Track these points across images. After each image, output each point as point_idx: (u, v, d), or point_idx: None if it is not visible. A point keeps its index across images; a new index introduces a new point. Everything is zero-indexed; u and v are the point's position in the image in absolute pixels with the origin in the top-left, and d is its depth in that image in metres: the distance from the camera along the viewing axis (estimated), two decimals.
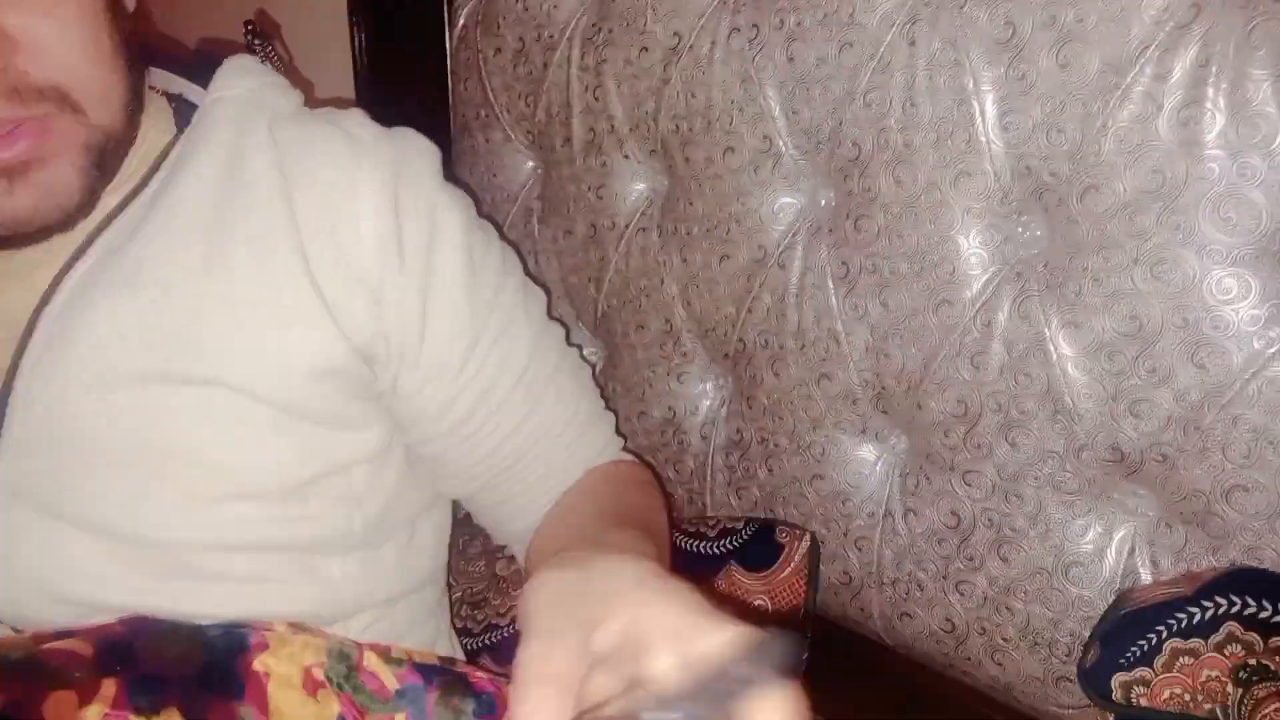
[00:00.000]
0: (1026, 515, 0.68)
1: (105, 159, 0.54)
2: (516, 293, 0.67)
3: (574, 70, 0.86)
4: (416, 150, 0.63)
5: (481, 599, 0.87)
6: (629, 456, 0.75)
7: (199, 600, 0.56)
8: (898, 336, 0.71)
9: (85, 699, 0.48)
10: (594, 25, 0.84)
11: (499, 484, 0.68)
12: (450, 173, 0.65)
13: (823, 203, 0.75)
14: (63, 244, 0.56)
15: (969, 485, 0.70)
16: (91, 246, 0.56)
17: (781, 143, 0.75)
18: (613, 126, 0.85)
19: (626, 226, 0.87)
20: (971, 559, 0.71)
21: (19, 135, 0.49)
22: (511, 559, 0.87)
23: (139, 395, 0.54)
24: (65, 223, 0.54)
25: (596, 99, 0.85)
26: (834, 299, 0.74)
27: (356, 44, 1.03)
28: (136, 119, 0.58)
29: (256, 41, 0.91)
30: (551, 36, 0.88)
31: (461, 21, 0.97)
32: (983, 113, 0.64)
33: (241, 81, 0.61)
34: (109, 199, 0.57)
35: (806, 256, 0.75)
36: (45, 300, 0.55)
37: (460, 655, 0.76)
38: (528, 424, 0.66)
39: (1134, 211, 0.60)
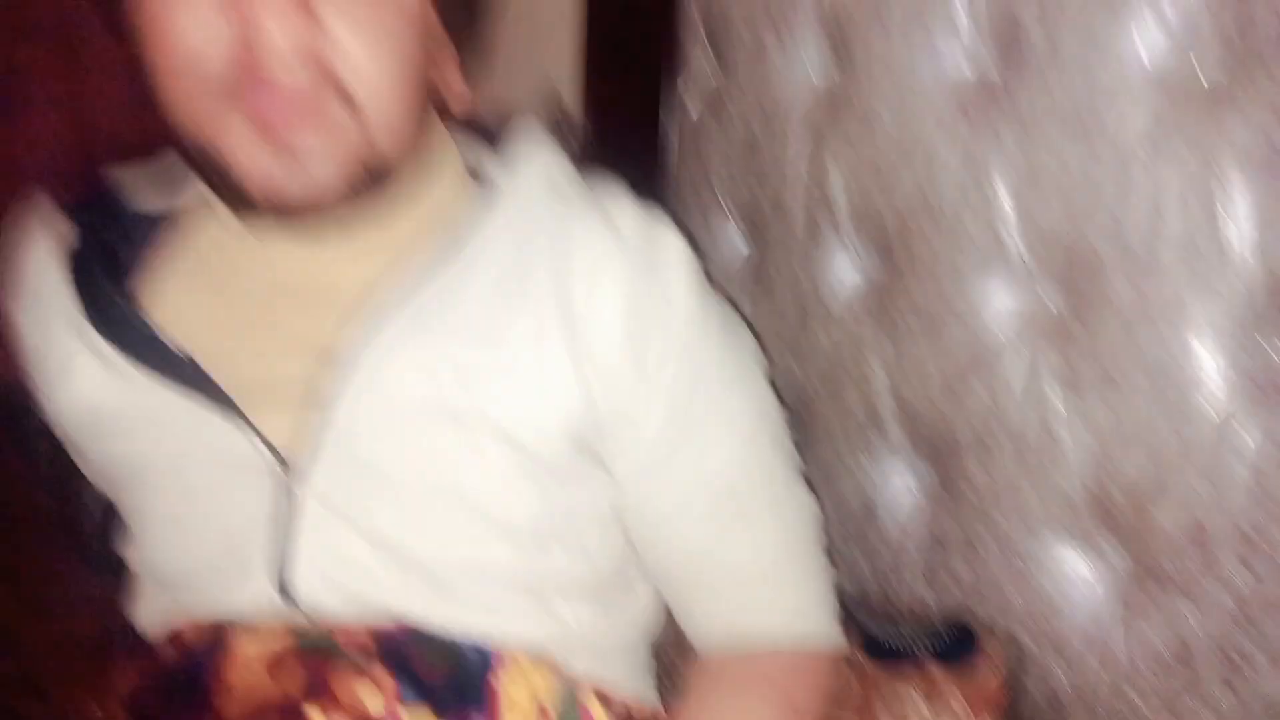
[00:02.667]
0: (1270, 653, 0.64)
1: (371, 175, 0.58)
2: (730, 411, 0.68)
3: (799, 158, 0.90)
4: (674, 262, 0.65)
5: None
6: (835, 643, 0.74)
7: (453, 617, 0.61)
8: (1127, 446, 0.70)
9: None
10: (824, 115, 0.88)
11: (675, 590, 0.72)
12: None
13: (1051, 306, 0.75)
14: (356, 274, 0.62)
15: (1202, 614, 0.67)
16: (391, 290, 0.60)
17: (1012, 242, 0.76)
18: (834, 216, 0.88)
19: (839, 314, 0.89)
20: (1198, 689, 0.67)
21: (295, 99, 0.53)
22: None
23: (430, 432, 0.61)
24: (313, 210, 0.57)
25: (820, 188, 0.89)
26: (1058, 402, 0.74)
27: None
28: (415, 161, 0.62)
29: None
30: (780, 126, 0.92)
31: (686, 104, 1.03)
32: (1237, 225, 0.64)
33: (534, 159, 0.65)
34: (407, 246, 0.62)
35: (1032, 356, 0.75)
36: (355, 334, 0.60)
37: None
38: (711, 554, 0.69)
39: None
